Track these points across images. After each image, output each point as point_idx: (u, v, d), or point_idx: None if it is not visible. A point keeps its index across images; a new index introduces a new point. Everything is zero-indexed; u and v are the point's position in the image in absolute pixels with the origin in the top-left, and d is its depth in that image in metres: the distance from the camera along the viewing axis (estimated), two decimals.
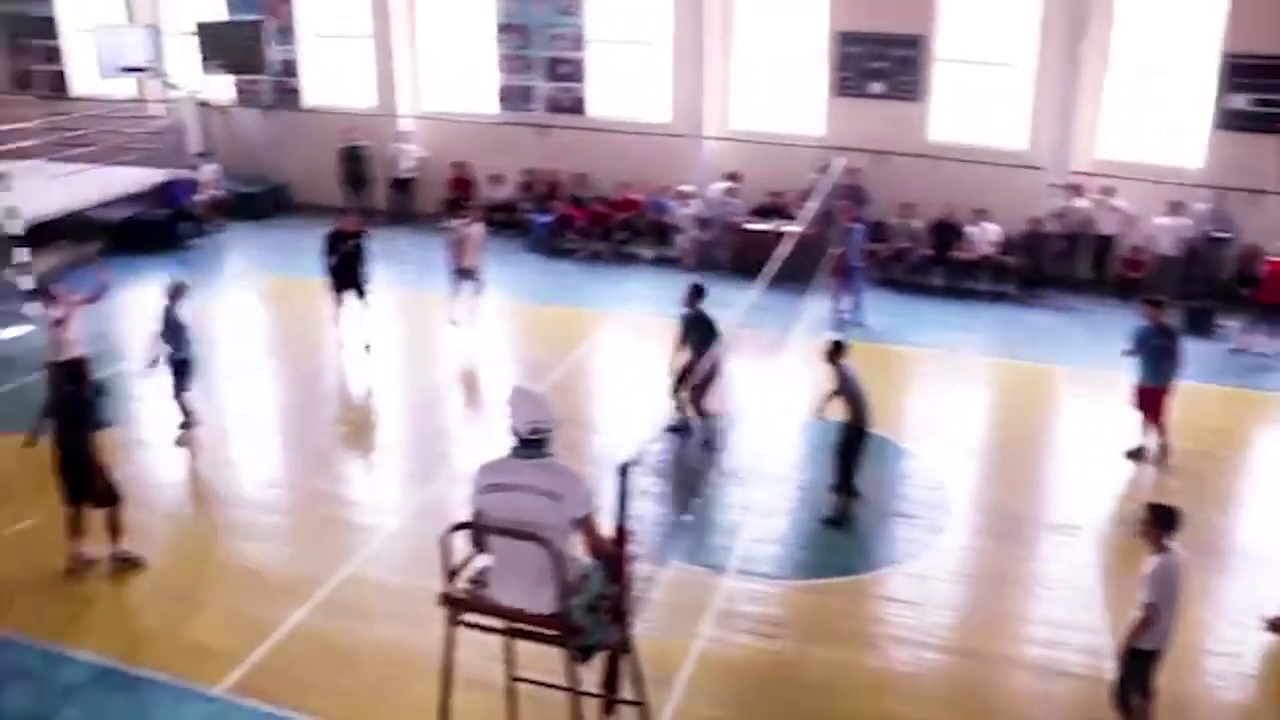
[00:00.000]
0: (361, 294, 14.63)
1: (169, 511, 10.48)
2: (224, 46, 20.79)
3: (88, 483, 9.01)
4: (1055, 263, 18.13)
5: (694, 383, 10.98)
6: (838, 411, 10.23)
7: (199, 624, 8.61)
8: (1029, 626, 8.94)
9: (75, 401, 9.14)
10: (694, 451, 11.25)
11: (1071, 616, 8.98)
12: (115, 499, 9.19)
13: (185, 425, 11.83)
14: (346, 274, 14.51)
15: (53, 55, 23.24)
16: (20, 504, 9.68)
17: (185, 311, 11.76)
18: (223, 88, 21.97)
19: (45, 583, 9.08)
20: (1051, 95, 17.97)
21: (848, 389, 10.09)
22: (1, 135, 19.19)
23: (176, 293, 11.74)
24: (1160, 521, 7.08)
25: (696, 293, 11.49)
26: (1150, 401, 11.61)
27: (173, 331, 11.62)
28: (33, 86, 23.32)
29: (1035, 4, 17.88)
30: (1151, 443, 11.74)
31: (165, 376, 11.76)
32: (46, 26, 23.06)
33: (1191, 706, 8.03)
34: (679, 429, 11.45)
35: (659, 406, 11.39)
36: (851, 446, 10.23)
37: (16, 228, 15.46)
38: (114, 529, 9.23)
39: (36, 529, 9.43)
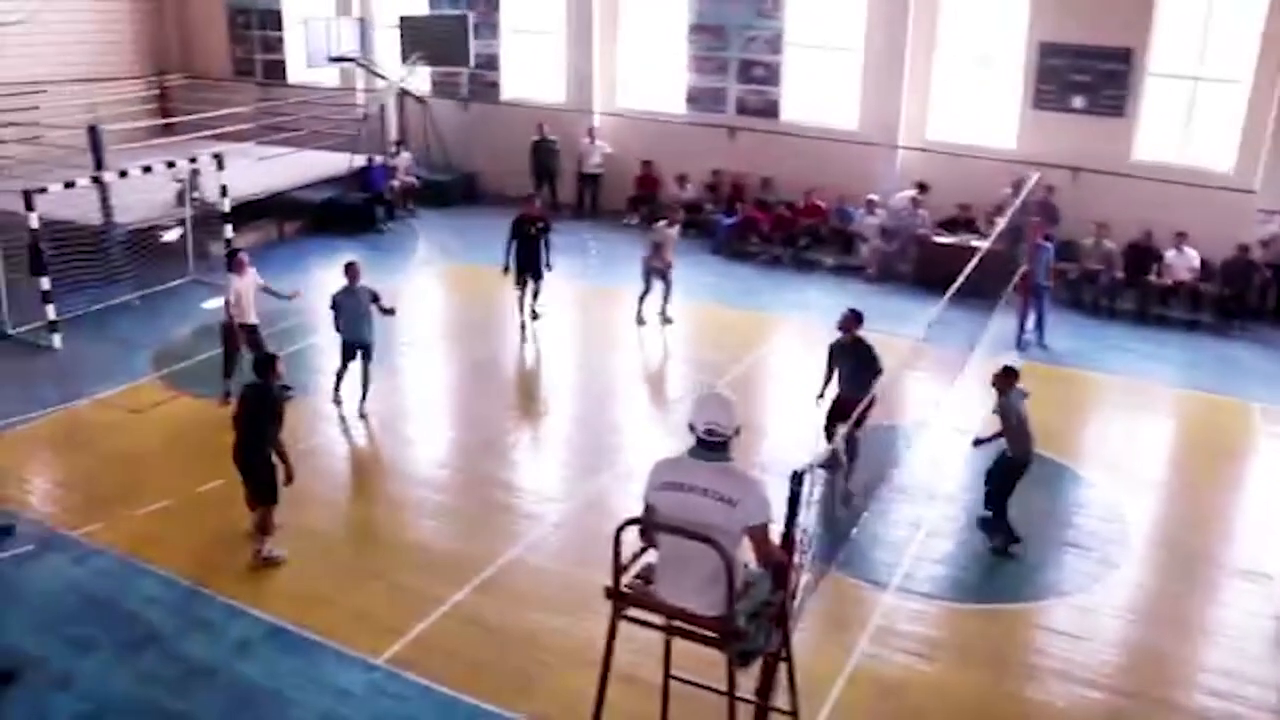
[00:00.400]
0: (539, 278, 15.13)
1: (344, 484, 10.96)
2: (427, 39, 21.56)
3: (253, 479, 9.15)
4: (1261, 293, 17.15)
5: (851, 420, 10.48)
6: (1001, 440, 9.90)
7: (365, 594, 8.96)
8: (1200, 674, 8.49)
9: (261, 395, 9.10)
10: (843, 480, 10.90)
11: (1246, 668, 8.49)
12: (269, 500, 9.18)
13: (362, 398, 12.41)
14: (529, 259, 14.95)
15: (271, 44, 24.56)
16: (214, 464, 10.22)
17: (361, 293, 12.21)
18: (422, 79, 22.77)
19: (231, 542, 9.60)
20: (1270, 116, 16.97)
21: (1011, 420, 9.74)
22: (220, 119, 20.48)
23: (349, 273, 12.25)
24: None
25: (855, 319, 10.85)
26: None
27: (341, 310, 12.22)
28: (253, 74, 24.71)
29: (1257, 18, 16.91)
30: None
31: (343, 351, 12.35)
32: (269, 17, 24.42)
33: None
34: (831, 465, 10.71)
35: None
36: (1007, 479, 9.89)
37: (225, 205, 16.40)
38: (261, 528, 9.33)
39: (226, 487, 9.88)
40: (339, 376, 12.47)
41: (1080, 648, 8.67)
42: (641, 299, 15.48)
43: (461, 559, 9.49)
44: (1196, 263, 16.94)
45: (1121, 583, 9.70)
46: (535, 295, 15.37)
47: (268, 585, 9.11)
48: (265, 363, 9.25)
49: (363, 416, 12.29)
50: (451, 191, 22.10)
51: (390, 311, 12.31)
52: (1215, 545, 10.46)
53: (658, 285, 15.40)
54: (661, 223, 15.65)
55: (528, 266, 15.00)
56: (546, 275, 15.27)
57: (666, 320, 15.54)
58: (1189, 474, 11.92)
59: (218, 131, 20.39)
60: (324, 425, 12.16)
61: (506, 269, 14.99)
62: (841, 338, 10.84)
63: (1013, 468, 9.85)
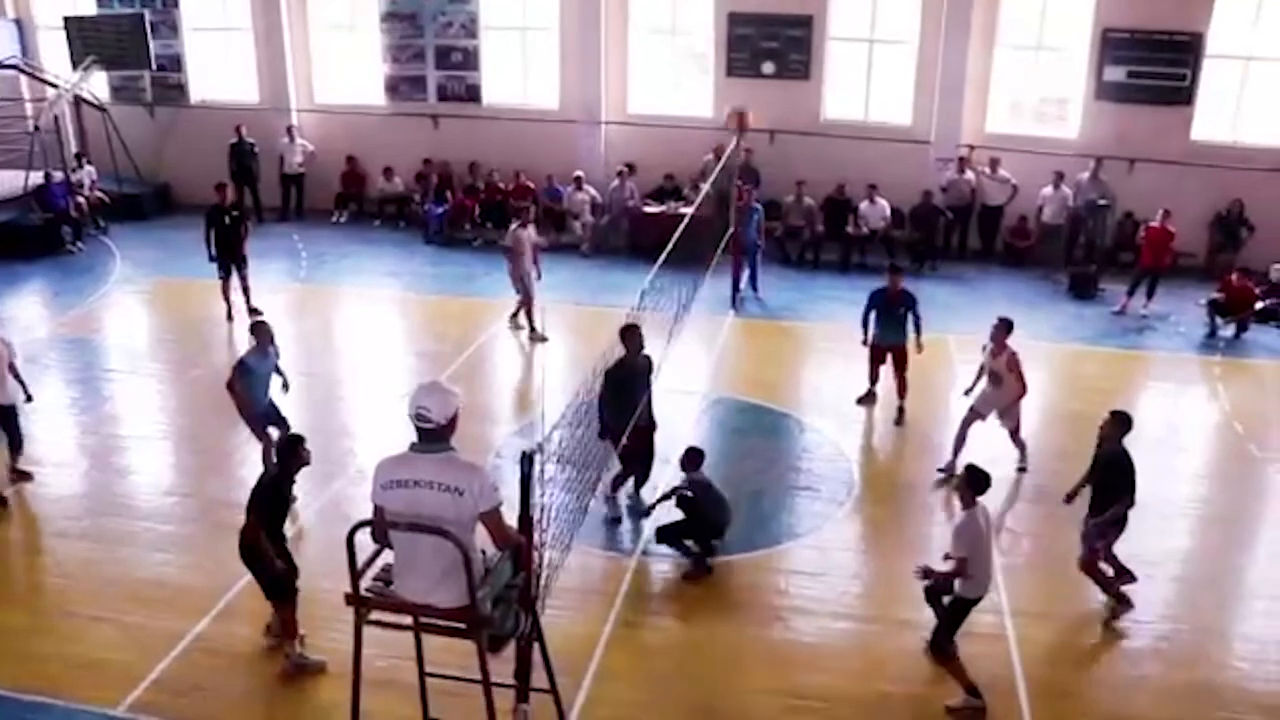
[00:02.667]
0: (243, 265, 15.13)
1: (59, 528, 10.14)
2: (100, 41, 20.12)
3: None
4: (945, 235, 18.61)
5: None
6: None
7: (95, 642, 8.31)
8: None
9: None
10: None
11: None
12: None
13: None
14: (230, 247, 14.98)
15: None
16: None
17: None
18: (100, 85, 21.26)
19: None
20: (937, 71, 18.35)
21: (705, 496, 9.44)
22: None
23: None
24: (972, 482, 7.67)
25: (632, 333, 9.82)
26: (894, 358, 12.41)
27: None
28: None
29: None
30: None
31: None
32: None
33: (1081, 653, 8.37)
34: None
35: (560, 395, 11.34)
36: (684, 531, 9.45)
37: None
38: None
39: None
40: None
41: (820, 583, 9.17)
42: (524, 310, 14.73)
43: (198, 588, 8.98)
44: (888, 211, 18.17)
45: (849, 518, 10.33)
46: (245, 292, 15.16)
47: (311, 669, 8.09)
48: None
49: None
50: (145, 204, 20.78)
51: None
52: (928, 470, 11.27)
53: (523, 290, 14.53)
54: (513, 225, 14.82)
55: (229, 254, 14.99)
56: (251, 266, 15.26)
57: (518, 327, 14.87)
58: (897, 407, 12.76)
59: None
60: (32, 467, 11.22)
61: (212, 259, 14.95)
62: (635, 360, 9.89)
63: (699, 528, 9.46)
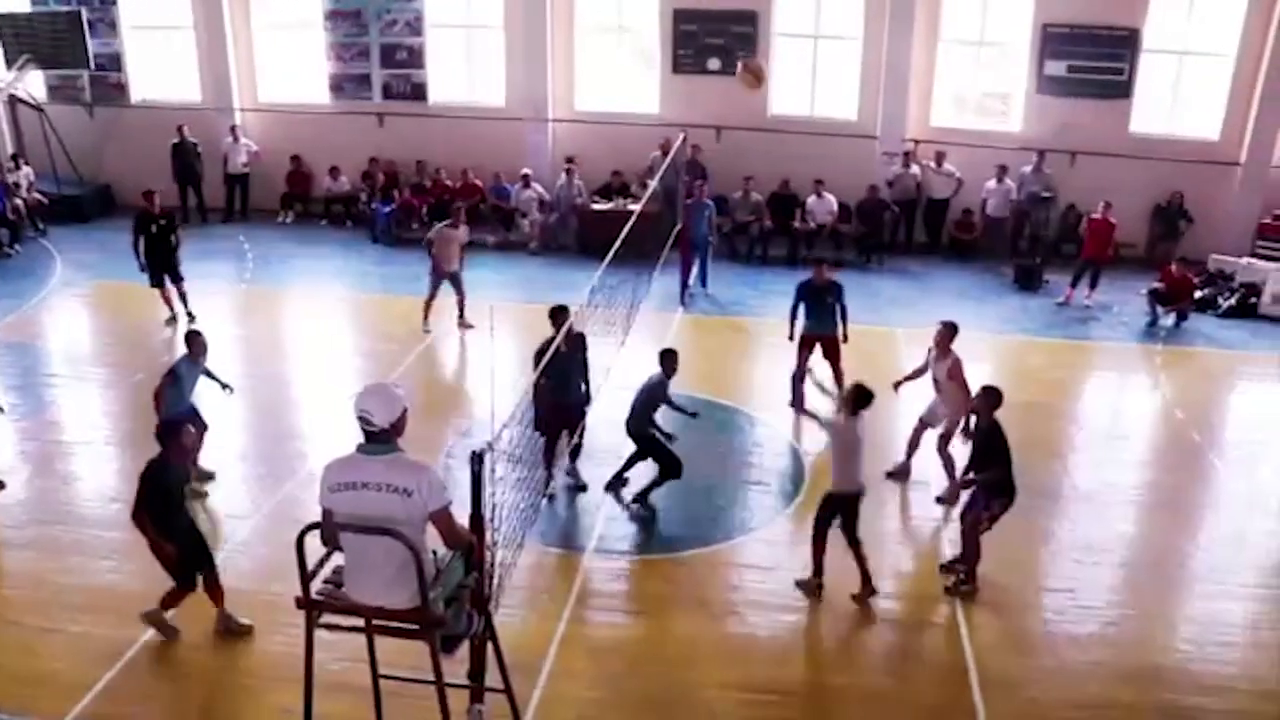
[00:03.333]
0: (179, 279, 14.72)
1: (4, 536, 9.92)
2: (34, 39, 19.73)
3: None
4: (892, 229, 18.78)
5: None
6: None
7: (40, 654, 8.14)
8: (882, 582, 9.17)
9: None
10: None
11: (920, 567, 9.36)
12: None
13: None
14: (163, 257, 14.59)
15: None
16: None
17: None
18: (36, 84, 20.86)
19: None
20: (881, 66, 18.51)
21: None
22: None
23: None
24: (855, 399, 8.63)
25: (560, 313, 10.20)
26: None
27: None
28: None
29: None
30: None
31: None
32: None
33: (1032, 641, 8.46)
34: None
35: (510, 393, 11.30)
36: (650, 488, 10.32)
37: None
38: None
39: None
40: None
41: (772, 577, 9.21)
42: (427, 304, 14.78)
43: (146, 595, 8.77)
44: (835, 206, 18.30)
45: (800, 511, 10.35)
46: (184, 299, 14.83)
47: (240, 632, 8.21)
48: None
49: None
50: (85, 205, 20.39)
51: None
52: (878, 464, 11.30)
53: (447, 289, 14.76)
54: (442, 223, 14.98)
55: (163, 266, 14.61)
56: (195, 269, 14.88)
57: (466, 326, 14.83)
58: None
59: None
60: None
61: (142, 268, 14.60)
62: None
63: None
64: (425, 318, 14.74)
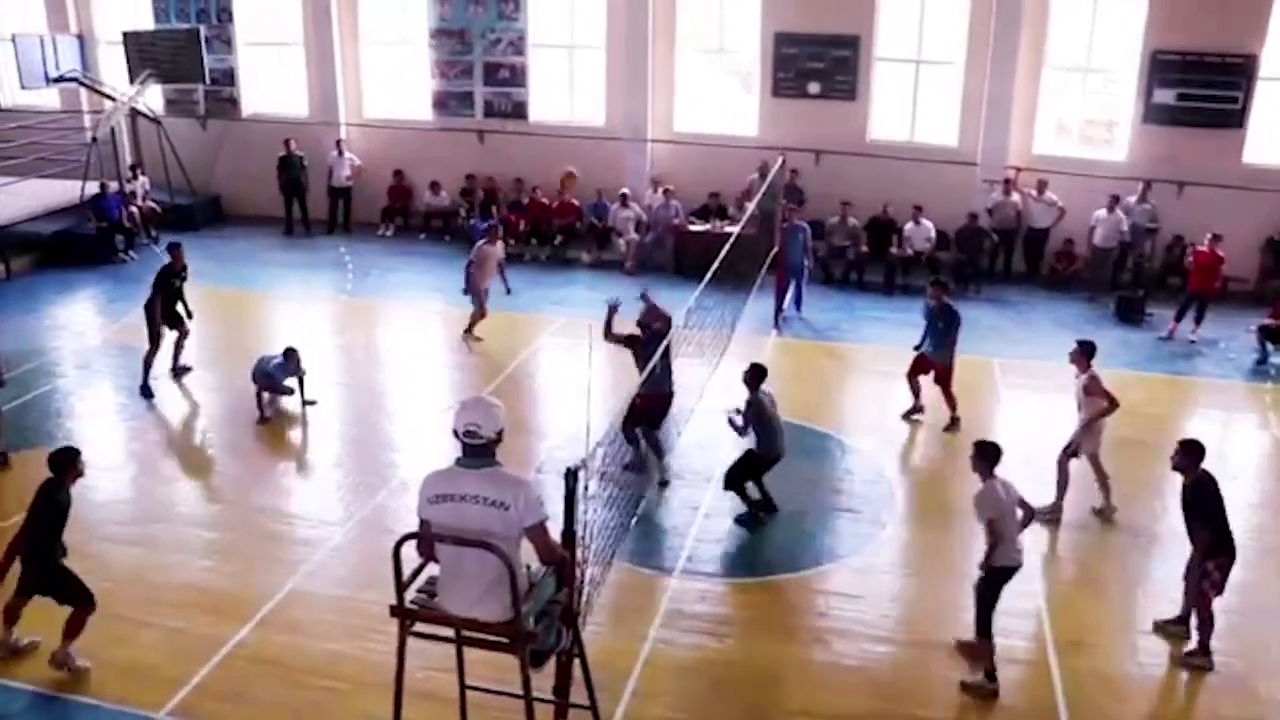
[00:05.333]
0: (183, 328, 13.90)
1: (107, 533, 10.28)
2: (156, 55, 20.47)
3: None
4: (990, 257, 18.49)
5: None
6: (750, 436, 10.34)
7: (140, 646, 8.42)
8: (968, 614, 9.04)
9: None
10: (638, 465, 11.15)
11: (1011, 603, 9.09)
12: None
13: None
14: (173, 311, 13.71)
15: None
16: None
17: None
18: (155, 98, 21.63)
19: None
20: (983, 92, 18.27)
21: (759, 417, 10.18)
22: None
23: None
24: (984, 455, 8.05)
25: (654, 310, 11.09)
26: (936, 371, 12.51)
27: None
28: None
29: (965, 3, 18.17)
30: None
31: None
32: None
33: (1127, 685, 8.21)
34: (637, 468, 11.09)
35: (603, 411, 11.38)
36: (744, 470, 10.34)
37: None
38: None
39: None
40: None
41: (859, 606, 9.09)
42: (476, 319, 15.21)
43: (241, 596, 9.09)
44: (933, 233, 18.06)
45: (891, 540, 10.26)
46: (178, 349, 13.95)
47: (22, 652, 8.30)
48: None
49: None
50: (196, 215, 21.07)
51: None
52: (971, 495, 11.15)
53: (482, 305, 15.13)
54: (480, 242, 15.33)
55: (171, 319, 13.66)
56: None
57: (473, 338, 15.20)
58: (942, 431, 12.65)
59: None
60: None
61: (156, 337, 13.52)
62: (657, 327, 10.75)
63: (754, 461, 10.31)
64: (470, 330, 15.13)
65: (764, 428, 10.18)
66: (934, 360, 12.49)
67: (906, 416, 12.73)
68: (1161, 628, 8.80)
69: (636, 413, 10.38)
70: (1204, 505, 8.30)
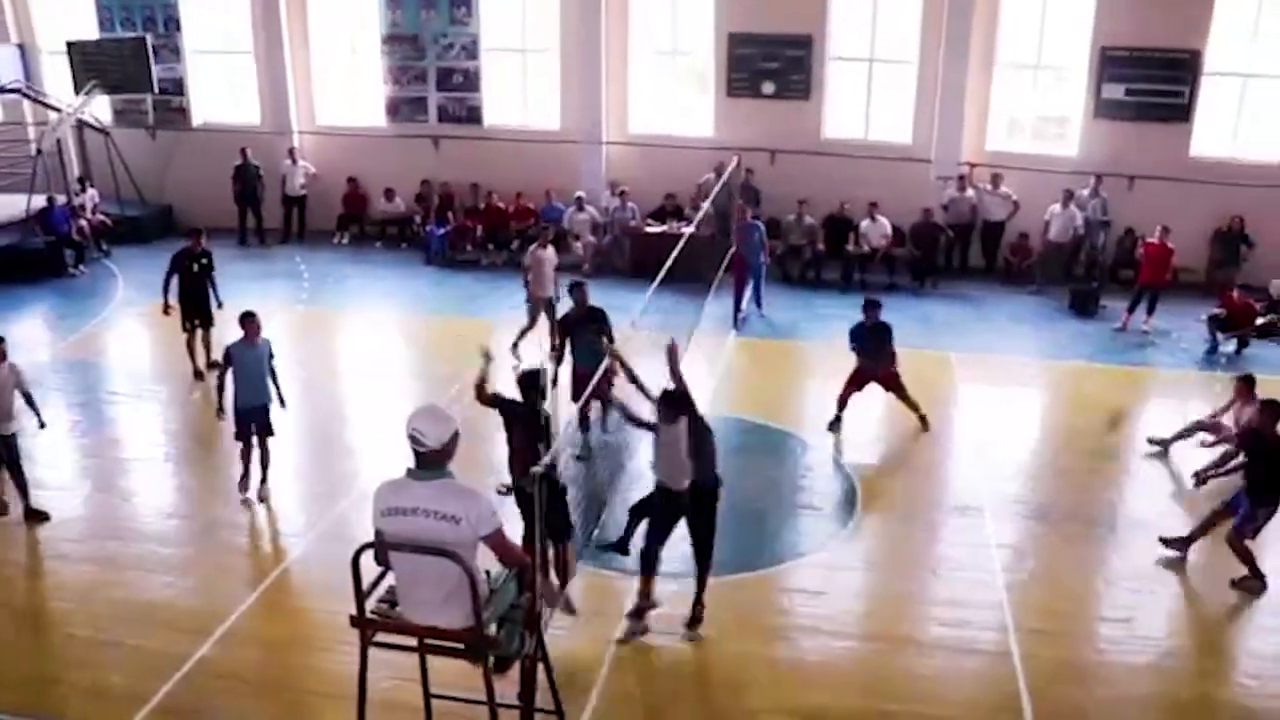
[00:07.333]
0: (209, 324, 13.88)
1: (61, 551, 10.12)
2: (102, 66, 20.23)
3: None
4: (946, 252, 18.65)
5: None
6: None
7: (99, 666, 8.29)
8: (935, 608, 9.16)
9: None
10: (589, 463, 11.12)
11: (974, 595, 9.21)
12: None
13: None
14: (196, 300, 13.78)
15: None
16: None
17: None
18: (102, 108, 21.35)
19: None
20: (936, 90, 18.43)
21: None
22: None
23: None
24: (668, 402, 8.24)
25: (580, 289, 11.71)
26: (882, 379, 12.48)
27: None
28: None
29: (916, 4, 18.32)
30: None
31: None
32: None
33: (1087, 671, 8.30)
34: (584, 458, 11.05)
35: (566, 416, 11.36)
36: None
37: None
38: None
39: None
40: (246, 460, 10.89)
41: (823, 603, 9.14)
42: (527, 332, 14.37)
43: (203, 611, 8.97)
44: (889, 229, 18.20)
45: (852, 536, 10.31)
46: (206, 347, 13.92)
47: None
48: None
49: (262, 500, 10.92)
50: (148, 227, 20.76)
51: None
52: (932, 489, 11.31)
53: (543, 316, 14.19)
54: (532, 246, 14.56)
55: (195, 310, 13.78)
56: (218, 316, 13.82)
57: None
58: (901, 426, 12.74)
59: None
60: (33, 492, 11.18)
61: (167, 308, 13.73)
62: (574, 310, 11.52)
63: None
64: (516, 345, 14.31)
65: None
66: (877, 369, 12.35)
67: (834, 428, 12.51)
68: (1236, 583, 9.37)
69: (580, 388, 10.49)
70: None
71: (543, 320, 14.25)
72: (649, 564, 8.47)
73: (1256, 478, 9.25)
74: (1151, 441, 11.93)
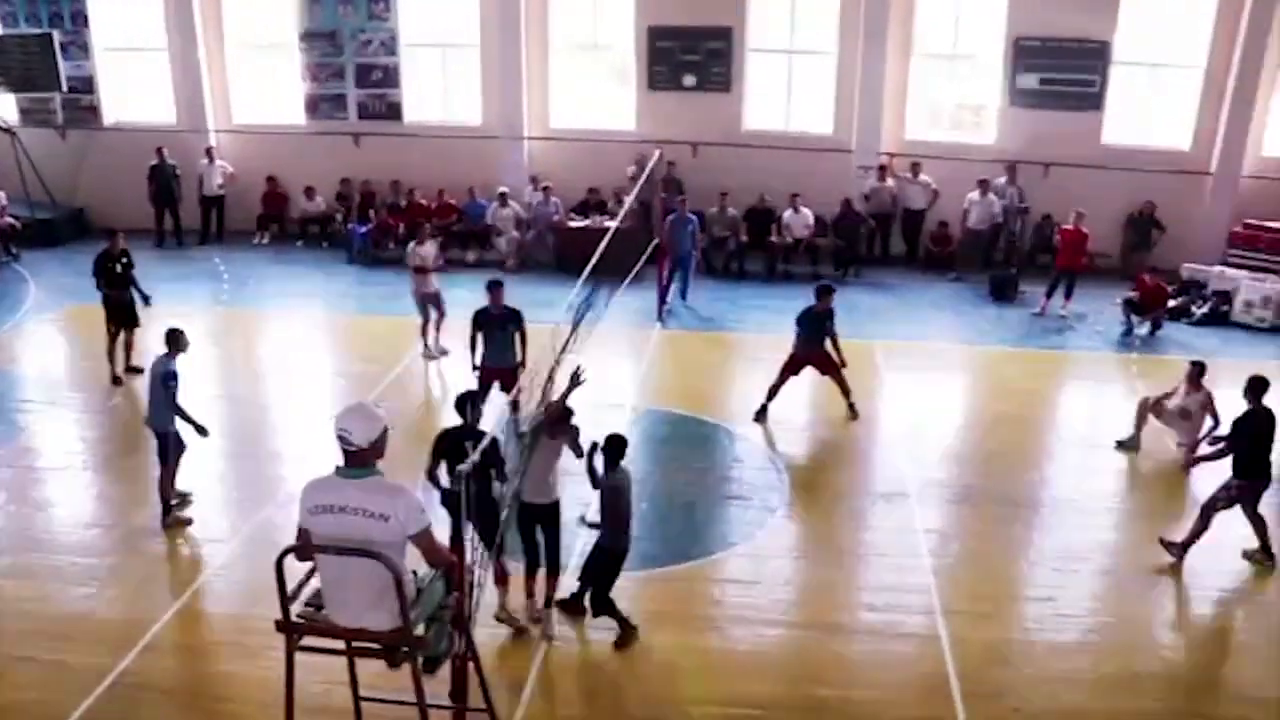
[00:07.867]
0: (134, 324, 13.73)
1: None
2: (6, 62, 19.68)
3: None
4: (868, 242, 18.89)
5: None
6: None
7: (16, 684, 8.03)
8: (864, 594, 9.26)
9: None
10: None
11: (902, 579, 9.34)
12: None
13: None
14: (116, 303, 13.60)
15: None
16: None
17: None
18: (7, 107, 20.76)
19: None
20: (856, 80, 18.64)
21: (615, 506, 8.46)
22: None
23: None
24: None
25: (498, 288, 11.85)
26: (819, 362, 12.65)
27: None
28: None
29: None
30: None
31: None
32: None
33: (1013, 651, 8.46)
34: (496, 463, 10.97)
35: (491, 412, 11.30)
36: (606, 579, 8.51)
37: None
38: None
39: None
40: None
41: (753, 592, 9.19)
42: (422, 330, 14.47)
43: (124, 622, 8.75)
44: (811, 220, 18.38)
45: (781, 526, 10.39)
46: (128, 350, 13.77)
47: None
48: None
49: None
50: (59, 229, 20.27)
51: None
52: (859, 476, 11.44)
53: (431, 312, 14.40)
54: (411, 243, 14.66)
55: (118, 312, 13.61)
56: (143, 315, 13.72)
57: (442, 352, 14.42)
58: (827, 414, 12.88)
59: None
60: None
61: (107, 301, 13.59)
62: (490, 308, 11.71)
63: (610, 560, 8.51)
64: (427, 344, 14.43)
65: (620, 518, 8.44)
66: (811, 354, 12.49)
67: (759, 418, 12.59)
68: (1249, 555, 9.71)
69: (485, 384, 11.40)
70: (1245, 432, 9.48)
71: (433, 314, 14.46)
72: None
73: (1239, 455, 9.51)
74: (1120, 444, 12.01)
